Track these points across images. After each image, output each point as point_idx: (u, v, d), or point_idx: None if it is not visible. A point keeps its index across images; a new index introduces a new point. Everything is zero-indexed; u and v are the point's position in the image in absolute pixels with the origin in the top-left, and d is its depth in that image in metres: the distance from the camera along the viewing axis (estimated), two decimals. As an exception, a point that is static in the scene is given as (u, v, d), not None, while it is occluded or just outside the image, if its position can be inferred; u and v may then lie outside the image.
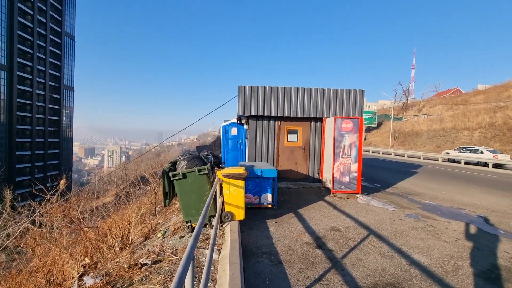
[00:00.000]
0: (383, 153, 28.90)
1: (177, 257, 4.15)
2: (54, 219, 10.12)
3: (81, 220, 9.14)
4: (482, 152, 19.49)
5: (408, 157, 25.10)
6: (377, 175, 12.42)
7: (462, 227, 5.37)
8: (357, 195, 7.61)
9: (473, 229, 5.27)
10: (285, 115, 8.76)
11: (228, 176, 4.90)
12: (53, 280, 5.09)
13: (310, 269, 3.49)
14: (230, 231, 4.48)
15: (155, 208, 11.93)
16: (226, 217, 4.92)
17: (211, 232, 4.78)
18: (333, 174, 7.57)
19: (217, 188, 4.91)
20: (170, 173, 4.79)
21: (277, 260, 3.72)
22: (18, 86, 53.05)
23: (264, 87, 8.70)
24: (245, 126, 10.08)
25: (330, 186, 7.76)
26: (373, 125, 44.99)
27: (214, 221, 4.54)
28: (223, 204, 5.05)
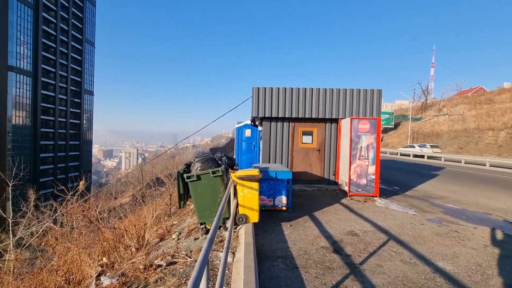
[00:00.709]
0: (401, 155, 28.03)
1: (191, 259, 4.14)
2: (74, 219, 10.45)
3: (99, 220, 9.37)
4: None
5: (428, 158, 24.20)
6: (396, 178, 12.02)
7: (490, 233, 5.06)
8: (375, 198, 7.37)
9: (502, 236, 4.96)
10: (300, 116, 8.64)
11: (242, 178, 4.86)
12: (72, 279, 5.22)
13: (327, 275, 3.37)
14: (245, 233, 4.42)
15: (170, 209, 12.08)
16: (240, 219, 4.88)
17: (225, 234, 4.75)
18: (349, 176, 7.37)
19: (231, 190, 4.87)
20: (185, 175, 4.80)
21: (293, 265, 3.63)
22: (42, 91, 55.61)
23: (278, 88, 8.63)
24: (259, 128, 10.04)
25: (346, 188, 7.56)
26: (390, 126, 43.83)
27: (228, 224, 4.50)
28: (237, 206, 5.00)
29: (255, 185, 4.89)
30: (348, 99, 8.61)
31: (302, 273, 3.41)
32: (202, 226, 5.01)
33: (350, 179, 7.38)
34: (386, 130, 44.43)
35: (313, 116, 8.64)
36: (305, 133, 8.92)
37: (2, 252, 11.63)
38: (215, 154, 5.70)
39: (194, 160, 5.29)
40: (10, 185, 14.82)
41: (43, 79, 55.63)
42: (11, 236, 11.50)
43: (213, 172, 4.79)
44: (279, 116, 8.67)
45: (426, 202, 7.48)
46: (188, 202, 7.81)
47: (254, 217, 4.90)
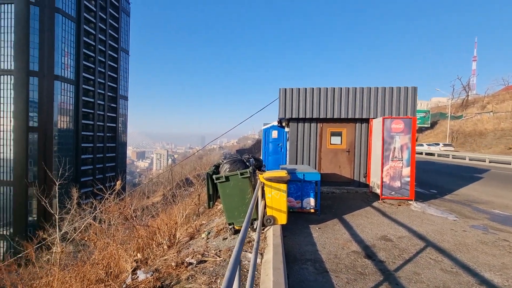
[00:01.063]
0: (438, 156, 26.24)
1: (220, 259, 4.22)
2: (111, 216, 11.14)
3: (134, 218, 9.91)
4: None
5: (470, 160, 22.39)
6: (433, 180, 11.28)
7: (546, 244, 4.55)
8: (410, 202, 6.98)
9: (561, 247, 4.43)
10: (328, 116, 8.46)
11: (270, 179, 4.86)
12: (111, 272, 5.57)
13: (359, 281, 3.25)
14: (273, 235, 4.42)
15: (198, 209, 12.42)
16: (268, 221, 4.88)
17: (253, 235, 4.78)
18: (381, 178, 7.05)
19: (259, 191, 4.89)
20: (214, 176, 4.91)
21: (323, 269, 3.55)
22: (83, 98, 60.18)
23: (306, 88, 8.52)
24: (286, 129, 9.99)
25: (378, 191, 7.25)
26: (426, 125, 41.25)
27: (256, 225, 4.53)
28: (265, 208, 5.01)
29: (283, 186, 4.87)
30: (379, 98, 8.26)
31: (333, 277, 3.32)
32: (230, 227, 5.09)
33: (382, 182, 7.06)
34: (421, 130, 41.88)
35: (342, 116, 8.41)
36: (333, 134, 8.71)
37: (50, 245, 12.71)
38: (243, 156, 5.76)
39: (223, 161, 5.39)
40: (57, 184, 16.15)
41: (83, 86, 60.21)
42: (57, 231, 12.54)
43: (241, 174, 4.84)
44: (307, 117, 8.56)
45: (469, 207, 6.92)
46: (216, 203, 7.99)
47: (282, 218, 4.88)
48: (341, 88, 8.42)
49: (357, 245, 4.33)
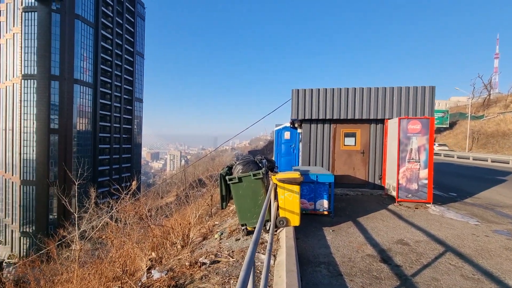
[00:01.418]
0: (458, 157, 25.30)
1: (233, 259, 4.23)
2: (127, 215, 11.41)
3: (149, 218, 10.11)
4: None
5: (492, 162, 21.45)
6: (452, 183, 10.88)
7: None
8: (427, 205, 6.76)
9: None
10: (342, 117, 8.34)
11: (283, 181, 4.84)
12: (127, 270, 5.70)
13: (374, 285, 3.18)
14: (286, 237, 4.39)
15: (211, 209, 12.52)
16: (281, 222, 4.85)
17: (266, 236, 4.77)
18: (397, 180, 6.87)
19: (272, 193, 4.88)
20: (227, 177, 4.94)
21: (337, 272, 3.49)
22: (100, 100, 62.18)
23: (319, 89, 8.44)
24: (299, 130, 9.93)
25: (394, 193, 7.06)
26: (444, 125, 39.92)
27: (269, 226, 4.52)
28: (277, 209, 4.99)
29: (296, 188, 4.84)
30: (395, 98, 8.07)
31: (347, 281, 3.26)
32: (243, 228, 5.10)
33: (398, 184, 6.88)
34: (439, 130, 40.54)
35: (356, 117, 8.27)
36: (347, 135, 8.58)
37: (70, 242, 13.16)
38: (256, 157, 5.77)
39: (236, 162, 5.41)
40: (76, 184, 16.74)
41: (101, 89, 62.25)
42: (76, 229, 12.97)
43: (254, 175, 4.85)
44: (320, 118, 8.47)
45: (491, 211, 6.63)
46: (229, 204, 8.03)
47: (295, 220, 4.84)
48: (355, 88, 8.28)
49: (372, 249, 4.23)
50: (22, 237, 50.11)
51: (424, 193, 6.74)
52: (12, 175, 53.77)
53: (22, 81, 50.82)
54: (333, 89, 8.37)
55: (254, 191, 4.90)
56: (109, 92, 65.97)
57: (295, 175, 4.86)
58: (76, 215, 13.84)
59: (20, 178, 51.14)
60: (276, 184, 4.95)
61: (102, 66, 62.43)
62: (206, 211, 11.95)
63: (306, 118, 8.50)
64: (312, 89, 8.47)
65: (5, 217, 54.24)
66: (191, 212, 9.20)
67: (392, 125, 7.47)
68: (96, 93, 60.24)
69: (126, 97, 73.12)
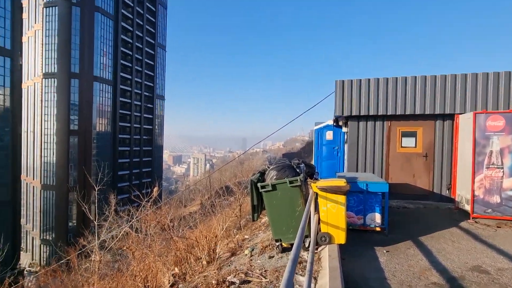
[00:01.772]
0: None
1: (266, 280, 4.23)
2: (148, 225, 11.98)
3: (171, 229, 10.53)
4: None
5: None
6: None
7: None
8: (513, 224, 6.17)
9: None
10: (398, 113, 7.99)
11: (325, 189, 4.75)
12: (148, 286, 5.99)
13: (443, 322, 2.96)
14: (329, 256, 4.29)
15: (240, 221, 12.68)
16: (323, 239, 4.76)
17: (305, 255, 4.70)
18: (473, 191, 6.37)
19: (312, 203, 4.80)
20: (259, 184, 4.97)
21: (393, 302, 3.32)
22: (121, 99, 66.35)
23: (368, 79, 8.17)
24: (344, 129, 9.74)
25: (467, 207, 6.56)
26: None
27: (309, 243, 4.45)
28: (318, 223, 4.91)
29: (341, 198, 4.73)
30: (469, 87, 7.52)
31: (407, 314, 3.08)
32: (277, 244, 5.09)
33: (473, 196, 6.37)
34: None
35: (417, 112, 7.86)
36: (405, 134, 8.19)
37: (89, 252, 14.16)
38: (292, 161, 5.73)
39: (269, 167, 5.43)
40: (96, 190, 18.00)
41: (121, 86, 66.42)
42: (96, 238, 13.94)
43: (291, 182, 4.83)
44: (370, 114, 8.20)
45: None
46: (261, 215, 8.06)
47: (340, 237, 4.73)
48: (415, 77, 7.87)
49: (439, 276, 3.96)
50: (42, 245, 55.22)
51: (509, 207, 6.17)
52: (33, 179, 59.52)
53: (43, 80, 56.16)
54: (387, 78, 8.04)
55: (291, 201, 4.88)
56: (129, 89, 70.09)
57: (340, 182, 4.75)
58: (95, 223, 14.86)
59: (40, 183, 56.50)
60: (317, 194, 4.88)
61: (122, 61, 66.57)
62: (234, 223, 12.10)
63: (353, 114, 8.28)
64: (360, 80, 8.23)
65: (26, 223, 60.13)
66: (217, 224, 9.38)
67: (464, 121, 6.96)
68: (116, 91, 64.38)
69: (147, 94, 77.06)
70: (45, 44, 56.38)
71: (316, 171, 6.58)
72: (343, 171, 9.62)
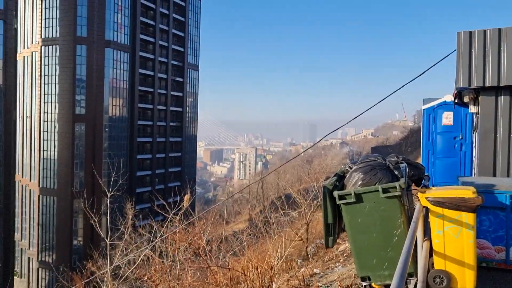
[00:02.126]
0: None
1: None
2: (177, 248, 12.58)
3: (208, 254, 10.92)
4: None
5: None
6: None
7: None
8: None
9: None
10: None
11: (440, 202, 4.52)
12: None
13: None
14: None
15: (306, 247, 12.68)
16: (438, 280, 4.54)
17: (408, 305, 4.54)
18: None
19: (419, 223, 4.58)
20: (335, 193, 4.87)
21: None
22: (141, 70, 70.18)
23: (516, 27, 7.53)
24: (471, 109, 9.34)
25: None
26: None
27: (415, 287, 4.26)
28: (430, 256, 4.69)
29: (468, 217, 4.48)
30: None
31: None
32: (364, 284, 5.00)
33: None
34: None
35: None
36: None
37: (99, 282, 15.40)
38: (387, 158, 5.54)
39: (351, 167, 5.32)
40: (109, 197, 19.26)
41: (141, 53, 70.10)
42: (108, 263, 15.11)
43: (385, 190, 4.68)
44: (518, 84, 7.56)
45: None
46: (339, 239, 7.94)
47: (466, 279, 4.52)
48: None
49: None
50: (40, 269, 61.40)
51: None
52: (30, 180, 66.11)
53: (42, 48, 61.78)
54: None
55: (386, 220, 4.79)
56: (152, 57, 73.65)
57: (466, 192, 4.53)
58: (107, 242, 16.12)
59: (39, 186, 62.68)
60: (427, 209, 4.73)
61: (142, 19, 70.05)
62: (298, 249, 12.16)
63: (488, 84, 7.80)
64: (499, 29, 7.65)
65: (21, 239, 67.33)
66: (273, 250, 9.49)
67: None
68: (134, 59, 68.24)
69: (175, 63, 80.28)
70: (45, 0, 61.37)
71: (426, 174, 6.29)
72: (472, 175, 9.36)
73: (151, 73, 73.65)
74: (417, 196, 4.95)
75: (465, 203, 4.50)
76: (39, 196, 62.49)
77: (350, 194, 4.83)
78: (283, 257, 9.16)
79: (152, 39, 73.51)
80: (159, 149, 76.25)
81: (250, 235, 19.73)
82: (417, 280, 4.26)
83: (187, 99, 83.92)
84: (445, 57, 9.01)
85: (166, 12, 76.93)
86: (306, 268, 8.82)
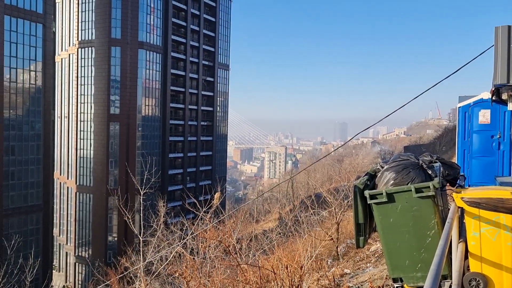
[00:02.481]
0: None
1: None
2: (207, 245, 12.72)
3: (238, 252, 10.98)
4: None
5: None
6: None
7: None
8: None
9: None
10: None
11: (477, 203, 4.38)
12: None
13: None
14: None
15: (337, 247, 12.56)
16: (475, 284, 4.39)
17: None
18: None
19: (454, 224, 4.47)
20: (366, 192, 4.81)
21: None
22: (172, 71, 71.45)
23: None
24: (510, 106, 9.01)
25: None
26: None
27: (449, 288, 4.17)
28: (466, 258, 4.56)
29: (507, 219, 4.32)
30: None
31: None
32: (396, 286, 4.94)
33: None
34: None
35: None
36: None
37: (133, 277, 15.77)
38: (421, 157, 5.43)
39: (382, 167, 5.24)
40: (142, 194, 19.71)
41: (173, 54, 71.36)
42: (141, 259, 15.45)
43: (419, 190, 4.60)
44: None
45: None
46: (370, 239, 7.83)
47: (504, 282, 4.37)
48: None
49: None
50: (77, 263, 63.69)
51: None
52: (68, 178, 68.66)
53: (79, 50, 63.99)
54: None
55: (419, 220, 4.70)
56: (183, 57, 74.80)
57: (504, 193, 4.40)
58: (141, 239, 16.47)
59: (76, 183, 65.03)
60: (463, 210, 4.58)
61: (173, 20, 71.25)
62: (328, 249, 12.05)
63: None
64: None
65: (60, 235, 69.97)
66: (303, 250, 9.44)
67: None
68: (166, 60, 69.52)
69: (206, 63, 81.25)
70: (81, 3, 63.52)
71: (461, 173, 6.15)
72: (509, 175, 9.13)
73: (183, 73, 74.82)
74: (452, 197, 4.83)
75: (503, 204, 4.36)
76: (76, 193, 64.86)
77: (382, 193, 4.76)
78: (313, 257, 9.11)
79: (183, 40, 74.65)
80: (191, 148, 77.40)
81: (280, 234, 19.76)
82: (451, 283, 4.17)
83: (218, 98, 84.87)
84: (482, 53, 8.71)
85: (197, 12, 77.96)
86: (337, 268, 8.74)
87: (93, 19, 62.56)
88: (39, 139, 46.42)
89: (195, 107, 78.48)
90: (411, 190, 4.65)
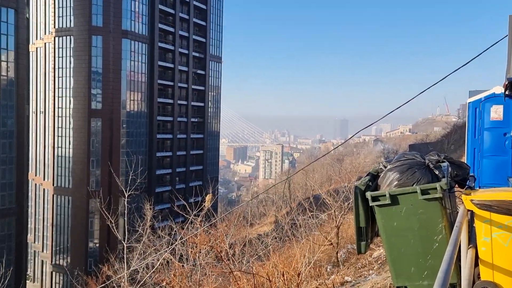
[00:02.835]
0: None
1: None
2: (198, 251, 12.70)
3: (231, 259, 10.97)
4: None
5: None
6: None
7: None
8: None
9: None
10: None
11: (487, 206, 4.40)
12: None
13: None
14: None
15: (337, 253, 12.59)
16: None
17: (450, 318, 4.44)
18: None
19: (463, 229, 4.49)
20: (368, 194, 4.82)
21: None
22: (160, 63, 70.95)
23: None
24: None
25: None
26: None
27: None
28: (476, 265, 4.58)
29: None
30: None
31: None
32: None
33: None
34: None
35: None
36: None
37: (116, 287, 15.71)
38: (427, 157, 5.44)
39: (385, 166, 5.24)
40: (126, 196, 19.57)
41: (160, 44, 70.77)
42: (125, 267, 15.41)
43: (425, 191, 4.60)
44: None
45: None
46: (372, 244, 7.85)
47: None
48: None
49: None
50: (54, 273, 62.99)
51: None
52: (44, 179, 67.93)
53: (56, 38, 63.22)
54: None
55: (425, 224, 4.70)
56: (171, 48, 74.27)
57: None
58: (125, 245, 16.42)
59: (53, 185, 64.34)
60: (473, 213, 4.60)
61: (160, 6, 70.68)
62: (328, 255, 12.09)
63: None
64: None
65: (35, 241, 69.22)
66: (301, 255, 9.46)
67: None
68: (153, 51, 68.96)
69: (197, 55, 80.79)
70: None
71: (471, 174, 6.18)
72: None
73: (171, 65, 74.29)
74: (461, 199, 4.84)
75: (516, 206, 4.39)
76: (53, 195, 64.11)
77: (385, 195, 4.76)
78: (311, 263, 9.12)
79: (171, 29, 74.05)
80: (180, 146, 76.99)
81: (275, 238, 19.76)
82: (461, 292, 4.19)
83: (209, 93, 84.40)
84: (494, 44, 8.72)
85: (187, -1, 77.31)
86: (337, 275, 8.76)
87: (72, 4, 61.60)
88: (11, 136, 45.55)
89: (184, 102, 78.00)
90: (416, 192, 4.64)
